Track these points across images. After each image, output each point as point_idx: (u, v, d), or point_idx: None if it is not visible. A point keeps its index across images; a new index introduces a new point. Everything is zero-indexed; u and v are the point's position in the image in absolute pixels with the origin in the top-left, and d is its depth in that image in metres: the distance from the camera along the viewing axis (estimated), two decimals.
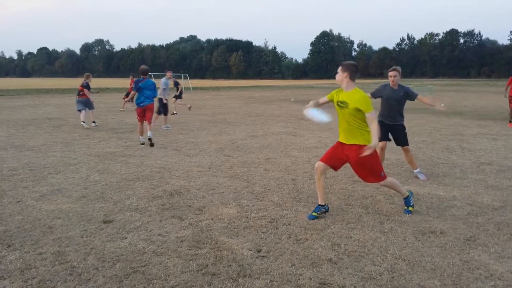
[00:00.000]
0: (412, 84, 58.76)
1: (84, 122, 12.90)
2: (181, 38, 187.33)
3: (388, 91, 6.55)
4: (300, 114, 17.47)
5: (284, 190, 6.01)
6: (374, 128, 4.37)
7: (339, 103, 4.59)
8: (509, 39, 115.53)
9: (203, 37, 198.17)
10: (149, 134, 9.62)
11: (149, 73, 10.12)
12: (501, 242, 4.15)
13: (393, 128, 6.68)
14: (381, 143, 6.69)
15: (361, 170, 4.68)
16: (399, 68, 6.54)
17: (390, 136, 6.76)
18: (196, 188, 6.15)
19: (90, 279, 3.36)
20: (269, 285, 3.28)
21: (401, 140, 6.70)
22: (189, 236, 4.30)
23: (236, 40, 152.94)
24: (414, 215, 4.92)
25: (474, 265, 3.62)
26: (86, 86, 13.32)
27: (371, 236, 4.29)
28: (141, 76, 9.84)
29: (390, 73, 6.44)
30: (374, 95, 6.62)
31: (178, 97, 17.62)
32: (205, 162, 7.97)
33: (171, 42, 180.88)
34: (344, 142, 4.66)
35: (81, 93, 13.32)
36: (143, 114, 9.88)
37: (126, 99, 15.88)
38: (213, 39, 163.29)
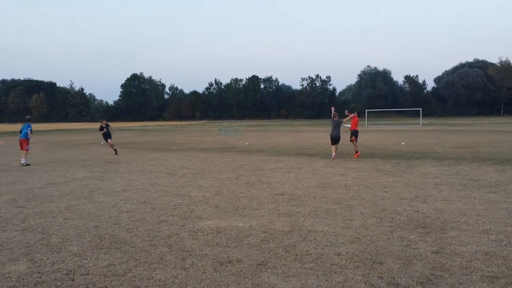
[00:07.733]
0: (222, 125, 62.66)
1: None
2: None
3: None
4: (110, 158, 16.79)
5: (85, 239, 5.66)
6: None
7: None
8: (300, 85, 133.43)
9: None
10: None
11: None
12: (288, 263, 4.68)
13: None
14: None
15: None
16: None
17: None
18: None
19: None
20: None
21: None
22: None
23: (36, 81, 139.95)
24: (214, 247, 5.19)
25: (264, 287, 3.99)
26: None
27: (172, 273, 4.35)
28: None
29: None
30: None
31: None
32: None
33: None
34: None
35: None
36: None
37: None
38: (9, 79, 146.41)
